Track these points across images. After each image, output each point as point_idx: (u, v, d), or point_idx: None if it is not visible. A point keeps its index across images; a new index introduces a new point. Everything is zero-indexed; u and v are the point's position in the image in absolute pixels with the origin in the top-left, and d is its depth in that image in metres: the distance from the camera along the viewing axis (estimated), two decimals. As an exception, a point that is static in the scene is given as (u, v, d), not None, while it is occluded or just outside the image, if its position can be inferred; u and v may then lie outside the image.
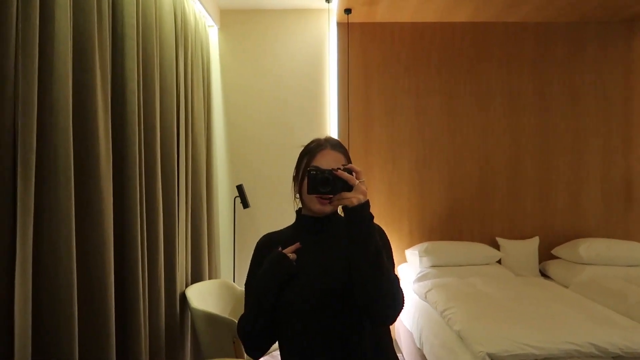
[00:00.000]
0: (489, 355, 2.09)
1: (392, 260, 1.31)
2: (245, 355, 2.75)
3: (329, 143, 1.35)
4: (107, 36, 2.10)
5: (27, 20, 1.57)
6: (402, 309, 1.20)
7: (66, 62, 1.76)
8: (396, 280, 1.19)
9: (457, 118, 4.15)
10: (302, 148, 1.40)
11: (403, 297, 1.20)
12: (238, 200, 3.85)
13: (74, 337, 1.78)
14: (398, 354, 3.91)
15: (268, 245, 1.37)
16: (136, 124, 2.33)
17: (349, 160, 1.36)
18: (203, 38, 3.63)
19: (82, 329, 1.89)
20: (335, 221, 1.36)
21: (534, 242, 4.00)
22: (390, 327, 4.01)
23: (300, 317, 1.27)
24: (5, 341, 1.52)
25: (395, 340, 3.99)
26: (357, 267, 1.15)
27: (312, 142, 1.38)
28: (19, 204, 1.55)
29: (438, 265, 3.69)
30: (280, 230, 1.44)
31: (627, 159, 4.17)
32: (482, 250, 3.83)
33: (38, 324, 1.70)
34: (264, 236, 1.42)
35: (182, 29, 3.06)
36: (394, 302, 1.17)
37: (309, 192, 1.23)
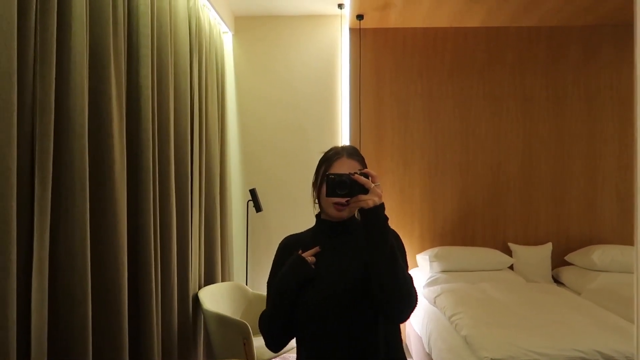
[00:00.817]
0: (494, 360, 2.11)
1: (406, 262, 1.38)
2: (255, 355, 2.80)
3: (345, 151, 1.42)
4: (122, 45, 2.18)
5: (45, 31, 1.65)
6: (416, 306, 1.28)
7: (82, 70, 1.84)
8: (410, 279, 1.27)
9: (469, 122, 4.15)
10: (321, 154, 1.47)
11: (416, 295, 1.27)
12: (251, 204, 3.91)
13: (88, 335, 1.85)
14: (408, 358, 3.92)
15: (290, 247, 1.45)
16: (150, 130, 2.40)
17: (364, 167, 1.41)
18: (217, 44, 3.70)
19: (96, 328, 1.96)
20: (352, 225, 1.42)
21: (547, 248, 3.98)
22: (402, 331, 4.03)
23: (317, 318, 1.35)
24: (22, 339, 1.59)
25: (406, 344, 4.00)
26: (375, 266, 1.22)
27: (330, 150, 1.46)
28: (36, 207, 1.62)
29: (448, 271, 3.69)
30: (301, 232, 1.52)
31: (644, 165, 4.11)
32: (493, 255, 3.82)
33: (54, 322, 1.77)
34: (286, 238, 1.51)
35: (197, 36, 3.14)
36: (409, 299, 1.24)
37: (327, 195, 1.30)
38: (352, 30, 4.11)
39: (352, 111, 4.12)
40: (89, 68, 1.94)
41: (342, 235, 1.42)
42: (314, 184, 1.46)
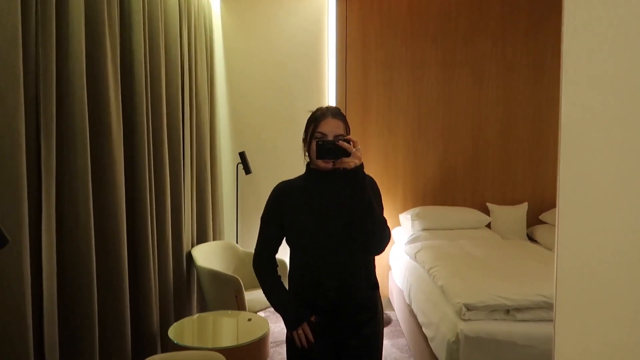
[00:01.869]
0: (466, 305, 2.31)
1: (382, 205, 1.67)
2: (247, 307, 3.00)
3: (330, 112, 1.64)
4: (116, 12, 2.26)
5: (45, 1, 1.74)
6: (389, 242, 1.61)
7: (80, 37, 1.93)
8: (384, 221, 1.58)
9: (452, 88, 4.28)
10: (308, 113, 1.70)
11: (389, 234, 1.61)
12: (241, 167, 4.04)
13: (93, 284, 2.01)
14: (391, 312, 4.18)
15: (282, 191, 1.70)
16: (143, 94, 2.51)
17: (347, 126, 1.67)
18: (206, 8, 3.74)
19: (99, 278, 2.12)
20: (336, 174, 1.63)
21: (523, 207, 4.20)
22: (384, 286, 4.24)
23: (309, 247, 1.64)
24: (35, 286, 1.75)
25: (389, 298, 4.25)
26: (355, 213, 1.53)
27: (316, 110, 1.68)
28: (42, 167, 1.75)
29: (429, 229, 3.90)
30: (293, 179, 1.75)
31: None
32: (472, 215, 4.03)
33: (61, 274, 1.93)
34: (280, 183, 1.74)
35: (186, 0, 3.19)
36: (382, 236, 1.57)
37: (317, 158, 1.58)
38: (338, -5, 4.16)
39: (338, 75, 4.21)
40: (86, 35, 2.02)
41: (328, 183, 1.66)
42: (304, 140, 1.68)
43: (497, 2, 4.23)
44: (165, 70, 2.91)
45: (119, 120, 2.27)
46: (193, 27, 3.36)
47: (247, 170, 3.96)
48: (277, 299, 1.72)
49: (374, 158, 4.27)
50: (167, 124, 2.90)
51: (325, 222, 1.62)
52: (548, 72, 4.27)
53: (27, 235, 1.63)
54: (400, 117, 4.28)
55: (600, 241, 0.74)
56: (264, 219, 1.73)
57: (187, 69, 3.20)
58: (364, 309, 1.68)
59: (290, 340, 1.70)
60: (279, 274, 1.77)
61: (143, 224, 2.52)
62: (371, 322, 1.69)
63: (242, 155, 3.96)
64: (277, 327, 3.69)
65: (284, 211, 1.68)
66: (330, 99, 4.25)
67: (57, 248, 1.86)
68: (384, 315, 4.01)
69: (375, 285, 1.73)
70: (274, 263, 1.77)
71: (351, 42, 4.21)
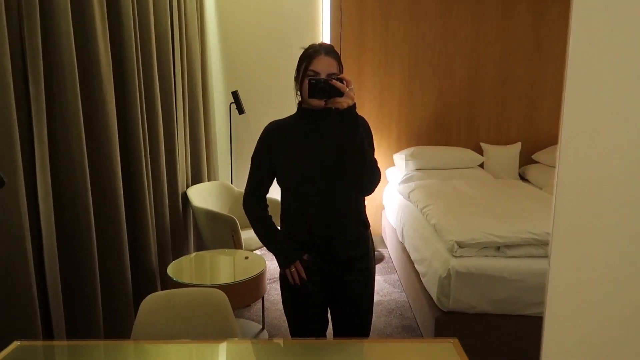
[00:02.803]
0: (457, 243, 2.37)
1: (373, 146, 1.65)
2: (244, 245, 3.06)
3: (323, 49, 1.57)
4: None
5: None
6: (379, 182, 1.59)
7: (61, -33, 1.83)
8: (375, 162, 1.57)
9: (450, 24, 4.16)
10: (301, 50, 1.62)
11: (379, 174, 1.59)
12: (234, 107, 3.98)
13: (91, 223, 2.03)
14: (383, 250, 4.29)
15: (273, 131, 1.68)
16: (132, 27, 2.41)
17: (340, 64, 1.59)
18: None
19: (97, 217, 2.13)
20: (328, 113, 1.60)
21: (516, 147, 4.22)
22: (377, 225, 4.31)
23: (299, 185, 1.64)
24: (34, 226, 1.76)
25: (381, 236, 4.35)
26: (346, 152, 1.51)
27: (309, 47, 1.60)
28: (32, 106, 1.71)
29: (423, 169, 3.92)
30: (284, 118, 1.72)
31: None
32: (465, 154, 4.05)
33: (59, 212, 1.93)
34: (271, 123, 1.72)
35: None
36: (373, 176, 1.56)
37: (309, 97, 1.53)
38: None
39: (333, 13, 4.06)
40: (67, -36, 1.91)
41: (320, 122, 1.63)
42: (296, 78, 1.63)
43: None
44: (153, 2, 2.78)
45: (108, 55, 2.20)
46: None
47: (241, 110, 3.90)
48: (269, 238, 1.73)
49: (369, 97, 4.22)
50: (157, 59, 2.81)
51: (315, 160, 1.61)
52: (548, 10, 4.14)
53: (22, 175, 1.62)
54: (396, 55, 4.18)
55: (600, 176, 0.74)
56: (254, 159, 1.72)
57: (175, 3, 3.06)
58: (355, 246, 1.70)
59: (284, 279, 1.73)
60: (270, 213, 1.78)
61: (137, 163, 2.50)
62: (364, 257, 1.73)
63: (234, 94, 3.89)
64: (273, 265, 3.79)
65: (274, 150, 1.66)
66: (324, 36, 4.13)
67: (52, 188, 1.85)
68: (376, 252, 4.14)
69: (365, 224, 1.75)
70: (264, 203, 1.77)
71: (346, -25, 4.03)
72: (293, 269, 1.68)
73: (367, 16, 4.11)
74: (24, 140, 1.68)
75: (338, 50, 4.01)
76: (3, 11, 1.51)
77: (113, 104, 2.22)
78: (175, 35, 3.06)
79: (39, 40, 1.72)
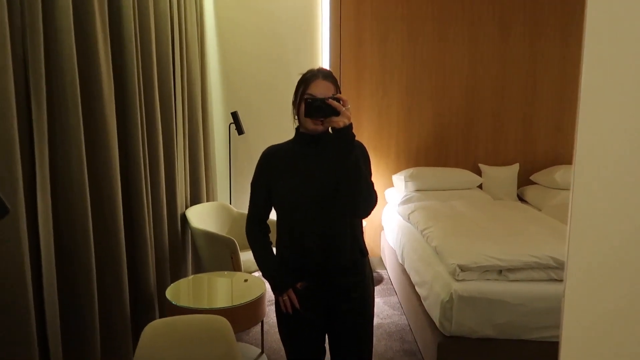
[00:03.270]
0: (459, 266, 2.35)
1: (370, 169, 1.65)
2: (243, 267, 3.02)
3: (321, 74, 1.59)
4: (102, -37, 2.15)
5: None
6: (375, 205, 1.57)
7: (66, -9, 1.84)
8: (371, 184, 1.56)
9: (447, 46, 4.21)
10: (299, 75, 1.63)
11: (376, 196, 1.57)
12: (233, 127, 3.98)
13: (90, 246, 2.00)
14: (382, 271, 4.26)
15: (271, 156, 1.68)
16: (134, 49, 2.42)
17: (337, 89, 1.61)
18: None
19: (96, 240, 2.11)
20: (325, 138, 1.62)
21: (514, 168, 4.23)
22: (376, 246, 4.28)
23: (297, 209, 1.62)
24: (33, 245, 1.73)
25: (380, 257, 4.32)
26: (342, 173, 1.49)
27: (307, 72, 1.62)
28: (34, 126, 1.70)
29: (422, 190, 3.92)
30: (281, 143, 1.72)
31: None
32: (464, 175, 4.05)
33: (59, 235, 1.91)
34: (268, 147, 1.72)
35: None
36: (369, 198, 1.54)
37: (305, 116, 1.53)
38: (332, -52, 4.00)
39: (332, 33, 4.11)
40: (72, -13, 1.93)
41: (317, 147, 1.63)
42: (294, 103, 1.63)
43: (495, -43, 4.10)
44: (155, 24, 2.80)
45: (110, 78, 2.20)
46: (182, -20, 3.22)
47: (240, 131, 3.91)
48: (265, 264, 1.72)
49: (368, 118, 4.24)
50: (157, 81, 2.82)
51: (310, 183, 1.60)
52: (544, 30, 4.20)
53: (23, 198, 1.60)
54: (394, 76, 4.22)
55: (617, 202, 0.73)
56: (253, 184, 1.72)
57: (176, 23, 3.08)
58: (351, 273, 1.67)
59: (278, 306, 1.71)
60: (270, 239, 1.76)
61: (137, 185, 2.49)
62: (360, 285, 1.69)
63: (234, 115, 3.90)
64: (271, 286, 3.74)
65: (272, 174, 1.66)
66: (324, 58, 4.16)
67: (52, 211, 1.84)
68: (375, 273, 4.11)
69: (363, 251, 1.71)
70: (265, 228, 1.76)
71: (345, 2, 4.08)
72: (285, 297, 1.65)
73: (366, 38, 4.15)
74: (25, 163, 1.67)
75: (337, 72, 4.08)
76: (7, 32, 1.51)
77: (114, 125, 2.22)
78: (176, 57, 3.08)
79: (42, 63, 1.72)
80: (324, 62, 4.15)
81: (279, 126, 4.04)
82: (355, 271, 1.68)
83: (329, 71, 1.63)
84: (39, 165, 1.72)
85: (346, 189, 1.51)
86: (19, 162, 1.58)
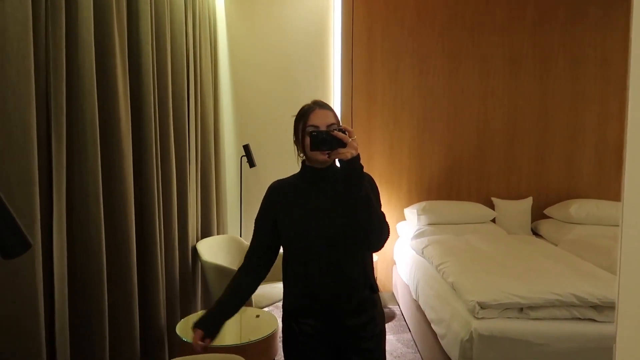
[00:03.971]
0: (479, 304, 2.29)
1: (380, 201, 1.58)
2: (254, 302, 2.96)
3: (316, 105, 1.56)
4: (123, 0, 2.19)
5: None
6: (388, 237, 1.50)
7: (89, 26, 1.87)
8: (382, 215, 1.48)
9: (458, 81, 4.24)
10: (293, 117, 1.60)
11: (388, 228, 1.49)
12: (244, 159, 3.99)
13: (104, 282, 1.97)
14: (394, 307, 4.16)
15: (277, 190, 1.63)
16: (151, 85, 2.44)
17: (336, 115, 1.57)
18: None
19: (110, 275, 2.07)
20: (332, 172, 1.58)
21: (528, 202, 4.18)
22: (388, 281, 4.21)
23: (306, 248, 1.56)
24: (47, 283, 1.70)
25: (393, 293, 4.23)
26: (352, 207, 1.42)
27: (302, 108, 1.58)
28: (53, 161, 1.70)
29: (435, 224, 3.87)
30: (287, 177, 1.67)
31: (622, 123, 4.29)
32: (477, 209, 4.01)
33: (73, 269, 1.88)
34: (275, 182, 1.67)
35: (191, -9, 3.11)
36: (381, 231, 1.46)
37: (311, 150, 1.47)
38: (344, -15, 4.09)
39: (344, 68, 4.15)
40: (94, 24, 1.96)
41: (324, 181, 1.58)
42: (296, 142, 1.59)
43: (504, -6, 4.17)
44: (171, 61, 2.84)
45: (128, 114, 2.21)
46: (198, 16, 3.28)
47: (252, 164, 3.91)
48: (219, 299, 1.63)
49: (379, 151, 4.23)
50: (172, 116, 2.84)
51: (319, 220, 1.54)
52: (554, 65, 4.23)
53: (39, 232, 1.58)
54: (405, 110, 4.24)
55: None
56: (257, 221, 1.65)
57: (192, 60, 3.13)
58: (361, 312, 1.59)
59: (286, 341, 1.64)
60: (256, 283, 1.65)
61: (151, 220, 2.47)
62: (371, 323, 1.61)
63: (246, 148, 3.91)
64: (281, 322, 3.66)
65: (277, 211, 1.60)
66: (335, 91, 4.19)
67: (67, 246, 1.81)
68: (386, 309, 4.01)
69: (373, 287, 1.64)
70: (257, 270, 1.65)
71: (357, 34, 4.15)
72: (196, 333, 1.55)
73: (377, 70, 4.19)
74: (42, 197, 1.66)
75: (349, 106, 4.11)
76: (32, 66, 1.53)
77: (130, 160, 2.21)
78: (190, 92, 3.11)
79: (64, 97, 1.73)
80: (335, 96, 4.19)
81: (290, 159, 4.03)
82: (365, 310, 1.61)
83: (323, 101, 1.60)
84: (56, 200, 1.70)
85: (357, 223, 1.44)
86: (37, 195, 1.56)
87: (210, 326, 1.57)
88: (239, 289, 1.64)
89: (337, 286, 1.56)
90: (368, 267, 1.63)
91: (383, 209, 1.55)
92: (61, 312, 1.75)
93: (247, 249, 3.47)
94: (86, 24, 1.85)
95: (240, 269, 1.66)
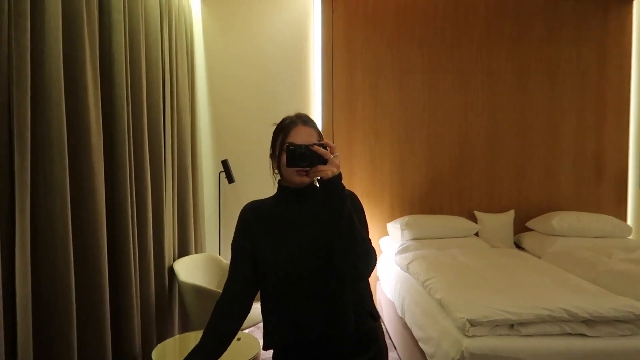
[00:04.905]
0: (469, 321, 2.21)
1: (365, 222, 1.42)
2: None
3: (300, 120, 1.41)
4: (95, 9, 2.08)
5: (18, -6, 1.56)
6: (375, 265, 1.32)
7: (57, 35, 1.76)
8: (368, 240, 1.32)
9: (438, 94, 4.23)
10: (275, 127, 1.45)
11: (375, 255, 1.32)
12: (223, 175, 3.87)
13: (72, 305, 1.83)
14: (379, 323, 4.06)
15: (251, 213, 1.46)
16: (124, 99, 2.33)
17: (319, 134, 1.43)
18: (186, 8, 3.58)
19: (78, 299, 1.93)
20: (311, 192, 1.42)
21: (510, 215, 4.16)
22: (373, 296, 4.12)
23: (286, 279, 1.37)
24: (8, 304, 1.56)
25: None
26: (335, 230, 1.26)
27: (284, 119, 1.43)
28: (16, 177, 1.57)
29: (419, 238, 3.81)
30: (263, 199, 1.51)
31: (599, 135, 4.34)
32: (460, 223, 3.97)
33: (37, 293, 1.74)
34: (249, 203, 1.50)
35: (167, 1, 3.02)
36: (367, 257, 1.29)
37: (288, 166, 1.32)
38: (323, -2, 4.06)
39: (324, 81, 4.10)
40: (63, 34, 1.85)
41: (303, 202, 1.43)
42: (272, 155, 1.44)
43: (482, 8, 4.20)
44: (146, 73, 2.73)
45: (99, 128, 2.09)
46: (174, 27, 3.19)
47: (230, 179, 3.80)
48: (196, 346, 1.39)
49: (360, 164, 4.17)
50: (147, 130, 2.72)
51: (301, 245, 1.37)
52: (533, 78, 4.27)
53: (-1, 256, 1.44)
54: (386, 123, 4.20)
55: None
56: (233, 248, 1.46)
57: (167, 72, 3.02)
58: (361, 346, 1.40)
59: None
60: (241, 317, 1.41)
61: (124, 239, 2.33)
62: None
63: (224, 163, 3.80)
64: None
65: (253, 239, 1.42)
66: (315, 105, 4.13)
67: (31, 267, 1.67)
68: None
69: (374, 315, 1.45)
70: (239, 301, 1.41)
71: (337, 47, 4.11)
72: None
73: (357, 84, 4.15)
74: (3, 215, 1.53)
75: (330, 120, 4.04)
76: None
77: (102, 175, 2.09)
78: (166, 105, 3.00)
79: (28, 110, 1.61)
80: (315, 110, 4.12)
81: (270, 176, 3.94)
82: (367, 343, 1.41)
83: (308, 116, 1.45)
84: (19, 220, 1.57)
85: (341, 249, 1.27)
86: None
87: None
88: (218, 330, 1.39)
89: (326, 319, 1.36)
90: (365, 293, 1.45)
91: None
92: (24, 341, 1.61)
93: (226, 268, 3.34)
94: (53, 33, 1.74)
95: (218, 303, 1.41)
